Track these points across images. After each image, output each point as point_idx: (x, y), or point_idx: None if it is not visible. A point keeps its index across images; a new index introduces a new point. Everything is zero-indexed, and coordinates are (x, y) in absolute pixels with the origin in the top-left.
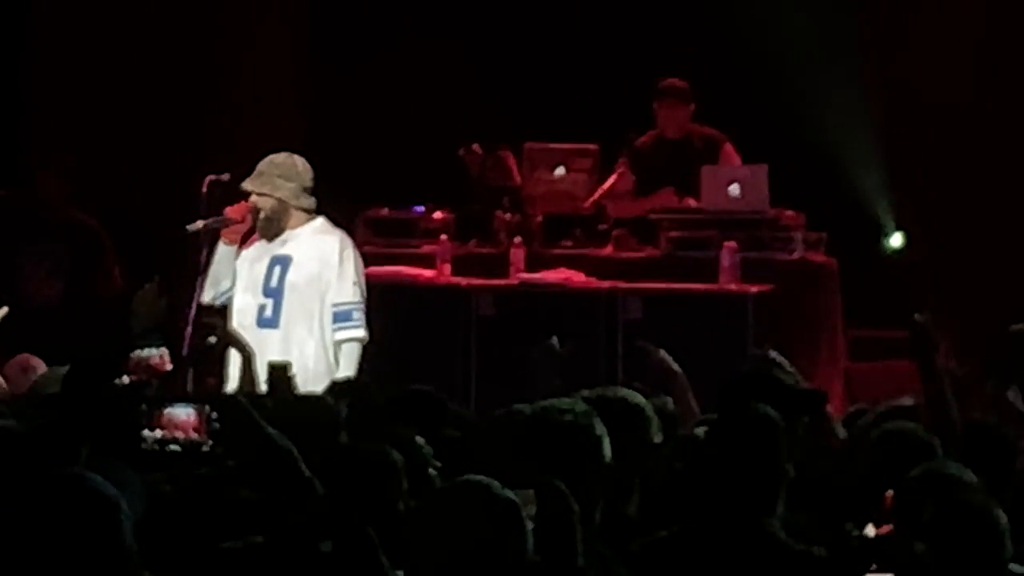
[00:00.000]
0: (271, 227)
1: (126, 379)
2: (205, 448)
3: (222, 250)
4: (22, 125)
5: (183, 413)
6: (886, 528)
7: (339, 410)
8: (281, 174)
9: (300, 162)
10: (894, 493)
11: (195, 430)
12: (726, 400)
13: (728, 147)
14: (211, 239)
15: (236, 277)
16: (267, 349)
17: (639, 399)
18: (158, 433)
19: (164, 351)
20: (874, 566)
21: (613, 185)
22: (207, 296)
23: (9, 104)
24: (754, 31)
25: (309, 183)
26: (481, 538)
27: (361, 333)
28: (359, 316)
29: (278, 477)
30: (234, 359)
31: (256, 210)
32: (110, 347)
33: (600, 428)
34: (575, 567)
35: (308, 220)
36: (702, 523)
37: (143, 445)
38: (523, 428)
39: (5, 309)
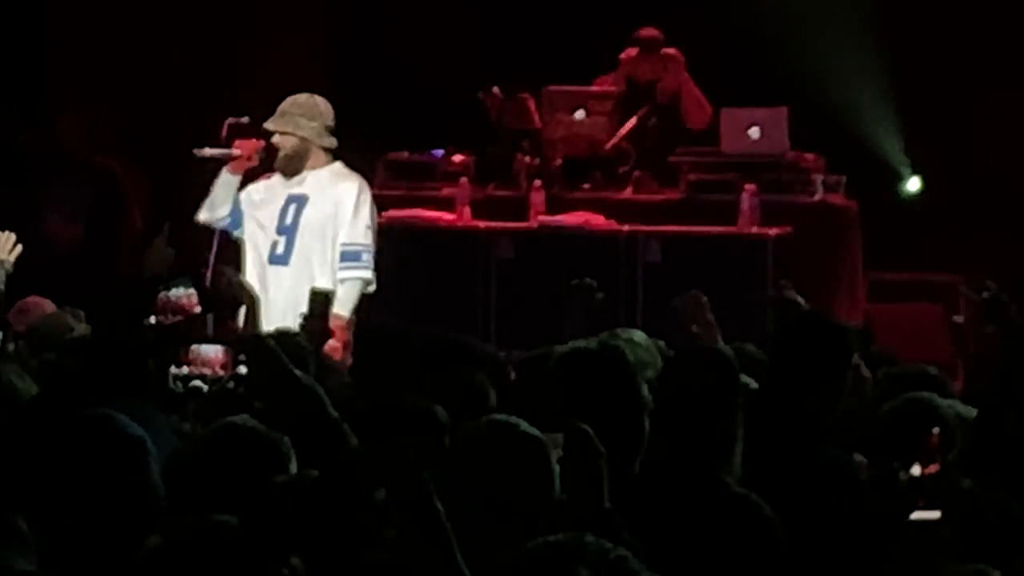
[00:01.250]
0: (291, 165)
1: (154, 319)
2: (230, 384)
3: (224, 177)
4: (42, 69)
5: (211, 350)
6: (932, 467)
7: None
8: (303, 113)
9: (322, 102)
10: (939, 431)
11: (222, 367)
12: (783, 340)
13: (686, 78)
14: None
15: (235, 210)
16: (277, 285)
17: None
18: (185, 369)
19: (192, 291)
20: (921, 504)
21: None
22: (201, 216)
23: (30, 47)
24: None
25: (331, 123)
26: (507, 475)
27: (367, 274)
28: (367, 259)
29: (305, 418)
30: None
31: (276, 149)
32: (138, 287)
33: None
34: (602, 508)
35: (327, 162)
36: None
37: (170, 384)
38: (557, 368)
39: (19, 248)
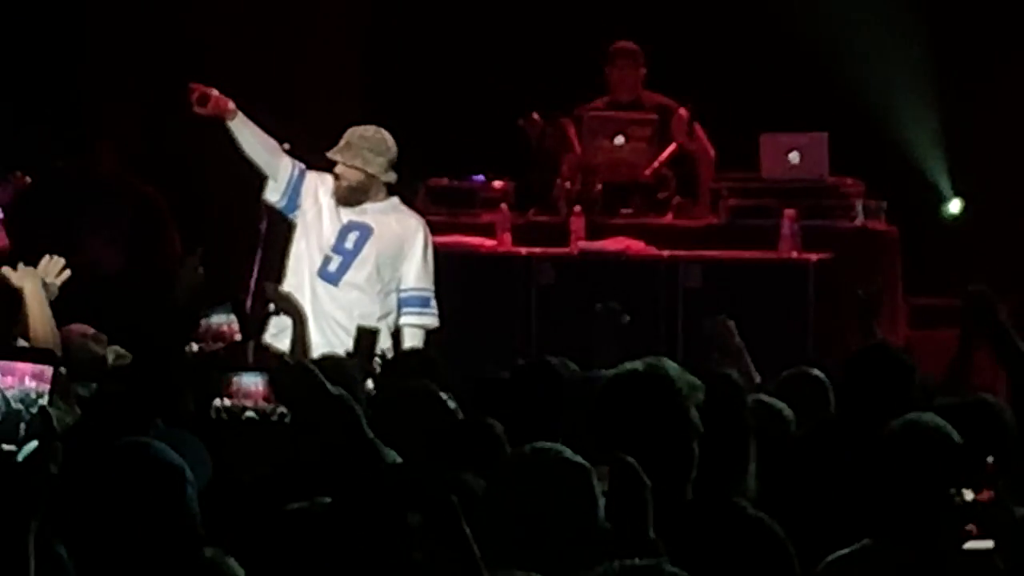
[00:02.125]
0: (353, 197)
1: (195, 347)
2: (275, 417)
3: (241, 135)
4: (79, 94)
5: (252, 382)
6: (986, 494)
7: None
8: (371, 148)
9: (388, 137)
10: (994, 459)
11: (264, 399)
12: (853, 375)
13: (681, 112)
14: (269, 212)
15: (291, 195)
16: (322, 300)
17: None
18: (227, 402)
19: (233, 318)
20: (974, 531)
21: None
22: (272, 196)
23: (67, 73)
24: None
25: (394, 158)
26: (550, 503)
27: (434, 321)
28: (434, 304)
29: (342, 439)
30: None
31: (341, 180)
32: (180, 314)
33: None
34: (647, 539)
35: (386, 197)
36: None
37: (213, 414)
38: (604, 391)
39: (67, 273)
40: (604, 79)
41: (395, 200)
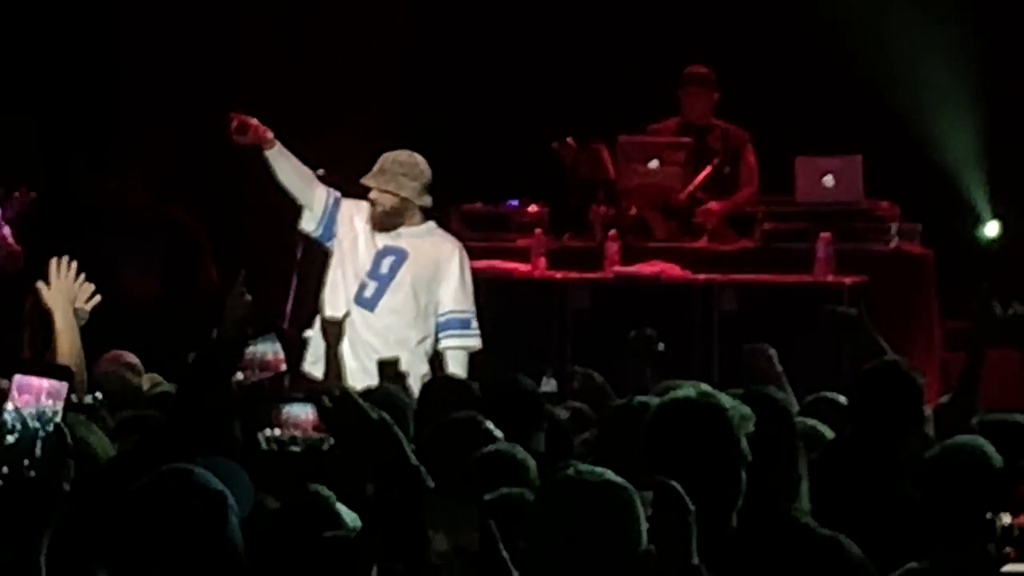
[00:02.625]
0: (388, 222)
1: (240, 376)
2: (324, 447)
3: (277, 164)
4: (115, 120)
5: (301, 411)
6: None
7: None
8: (405, 172)
9: (422, 161)
10: None
11: (314, 428)
12: (861, 394)
13: (749, 149)
14: (305, 238)
15: (327, 224)
16: (358, 327)
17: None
18: (276, 431)
19: (279, 347)
20: (1012, 554)
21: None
22: (308, 225)
23: (102, 99)
24: (849, 21)
25: (429, 182)
26: (594, 526)
27: (479, 343)
28: (476, 325)
29: (387, 465)
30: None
31: (376, 205)
32: (227, 343)
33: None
34: (689, 565)
35: (422, 220)
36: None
37: (262, 444)
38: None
39: (97, 298)
40: (676, 101)
41: (431, 224)
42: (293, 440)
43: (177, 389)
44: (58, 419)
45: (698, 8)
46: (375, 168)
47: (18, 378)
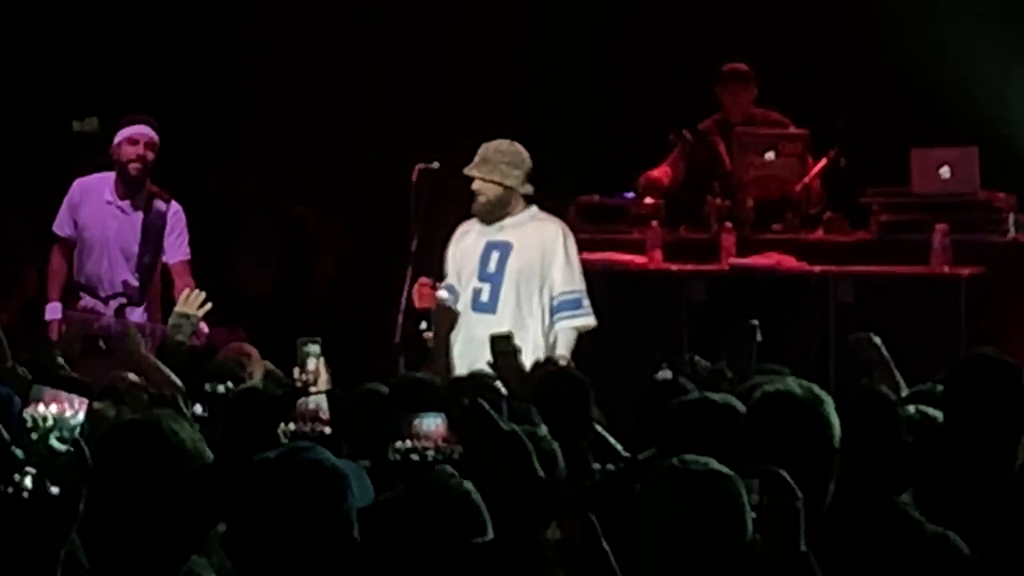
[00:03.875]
0: (493, 213)
1: (292, 426)
2: (455, 457)
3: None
4: (229, 116)
5: (432, 423)
6: None
7: None
8: (508, 161)
9: (522, 149)
10: None
11: (444, 440)
12: (954, 385)
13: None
14: (420, 232)
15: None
16: (485, 333)
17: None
18: (408, 443)
19: (323, 401)
20: None
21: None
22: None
23: (218, 101)
24: (961, 14)
25: (530, 169)
26: (699, 516)
27: (592, 320)
28: (587, 303)
29: (516, 476)
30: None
31: (480, 196)
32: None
33: (829, 410)
34: (798, 553)
35: (526, 208)
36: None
37: (392, 456)
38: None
39: (208, 305)
40: (716, 99)
41: (533, 209)
42: (424, 451)
43: (221, 439)
44: (77, 434)
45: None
46: (477, 159)
47: (42, 389)
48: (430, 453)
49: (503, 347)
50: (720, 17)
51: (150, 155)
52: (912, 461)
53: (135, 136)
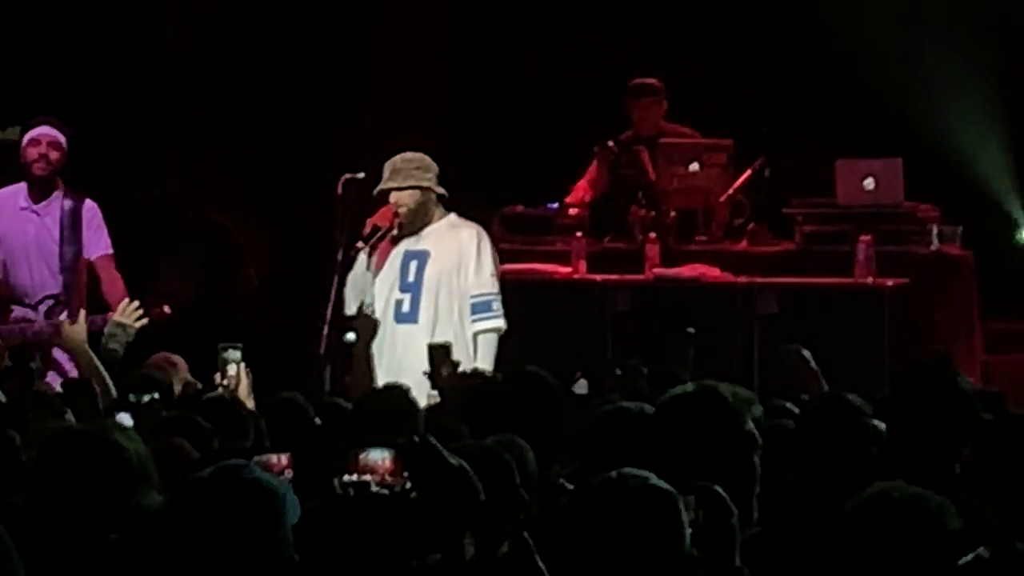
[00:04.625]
0: (415, 220)
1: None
2: (398, 490)
3: (362, 261)
4: (156, 126)
5: (379, 456)
6: None
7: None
8: (417, 167)
9: (425, 155)
10: None
11: (390, 474)
12: (902, 395)
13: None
14: (346, 242)
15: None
16: (408, 343)
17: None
18: (354, 476)
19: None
20: None
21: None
22: (352, 308)
23: (144, 105)
24: (888, 25)
25: (438, 172)
26: (637, 530)
27: (501, 323)
28: (498, 306)
29: (460, 512)
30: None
31: (400, 207)
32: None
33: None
34: (733, 568)
35: (443, 215)
36: (790, 515)
37: (338, 489)
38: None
39: (145, 320)
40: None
41: (451, 216)
42: (368, 485)
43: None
44: None
45: (737, 10)
46: (386, 173)
47: None
48: (374, 487)
49: (441, 357)
50: (646, 28)
51: (53, 154)
52: (875, 472)
53: (37, 137)
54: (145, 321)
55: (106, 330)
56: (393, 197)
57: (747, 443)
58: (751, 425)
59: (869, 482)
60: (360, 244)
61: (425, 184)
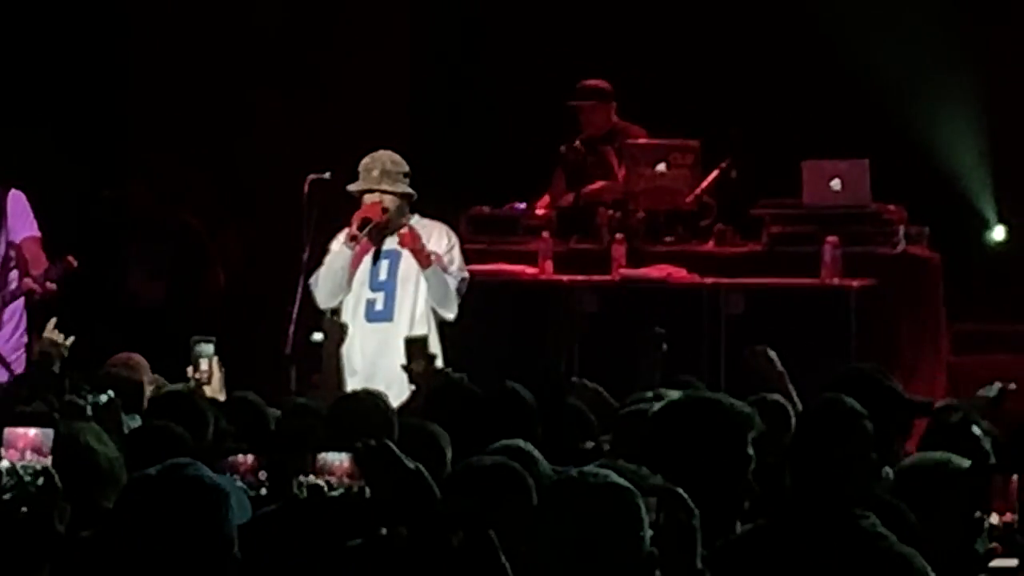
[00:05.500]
0: (396, 224)
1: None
2: (355, 491)
3: (346, 255)
4: (124, 126)
5: (337, 459)
6: (1009, 516)
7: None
8: (402, 172)
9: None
10: (1019, 479)
11: (348, 476)
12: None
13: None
14: (312, 242)
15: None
16: (382, 341)
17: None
18: (312, 478)
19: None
20: (999, 551)
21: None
22: (332, 303)
23: (111, 105)
24: (856, 26)
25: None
26: (597, 528)
27: (452, 315)
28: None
29: (417, 511)
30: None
31: (383, 208)
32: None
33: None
34: (694, 570)
35: (409, 217)
36: (789, 517)
37: (296, 490)
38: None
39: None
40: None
41: (416, 217)
42: (328, 487)
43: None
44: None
45: (704, 11)
46: (376, 173)
47: (7, 432)
48: (333, 489)
49: (418, 350)
50: (614, 28)
51: None
52: (870, 475)
53: None
54: (72, 339)
55: (39, 348)
56: (377, 197)
57: (744, 461)
58: (749, 444)
59: (867, 484)
60: (357, 234)
61: (408, 191)
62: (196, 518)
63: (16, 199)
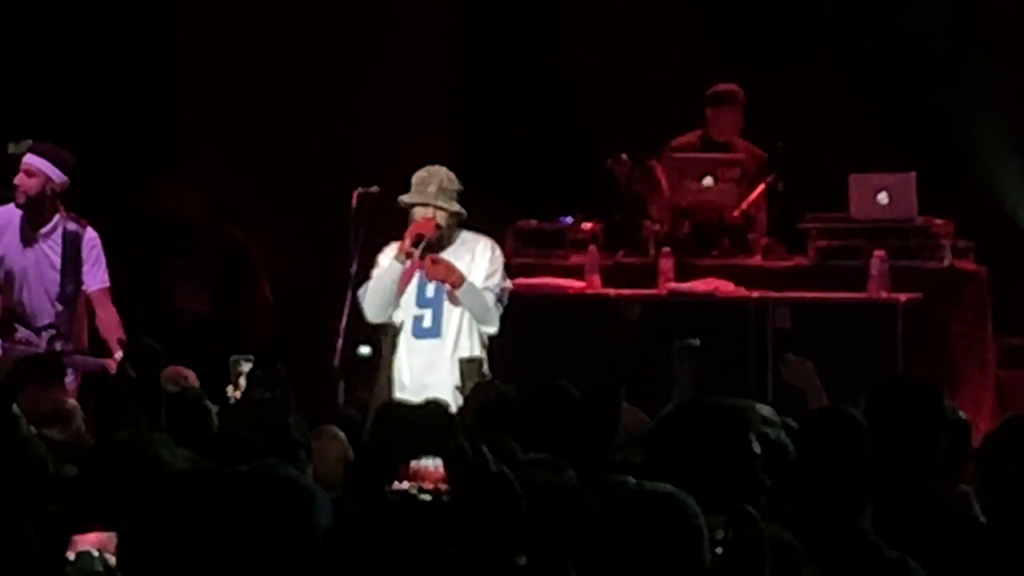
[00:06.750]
0: (444, 242)
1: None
2: (445, 498)
3: (396, 269)
4: (172, 137)
5: (431, 464)
6: None
7: None
8: (456, 188)
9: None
10: None
11: (442, 481)
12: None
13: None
14: (360, 255)
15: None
16: (430, 358)
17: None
18: (405, 484)
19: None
20: None
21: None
22: (382, 317)
23: (158, 120)
24: (904, 41)
25: None
26: (661, 545)
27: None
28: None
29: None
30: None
31: (439, 227)
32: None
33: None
34: None
35: (458, 234)
36: (792, 526)
37: (389, 496)
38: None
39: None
40: (703, 118)
41: (464, 233)
42: (419, 493)
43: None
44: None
45: (750, 25)
46: (433, 188)
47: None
48: (425, 494)
49: (472, 372)
50: (662, 40)
51: (28, 182)
52: (872, 483)
53: (22, 164)
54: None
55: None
56: (430, 212)
57: (750, 457)
58: (754, 439)
59: (870, 495)
60: (412, 250)
61: (461, 211)
62: (285, 516)
63: (92, 242)
